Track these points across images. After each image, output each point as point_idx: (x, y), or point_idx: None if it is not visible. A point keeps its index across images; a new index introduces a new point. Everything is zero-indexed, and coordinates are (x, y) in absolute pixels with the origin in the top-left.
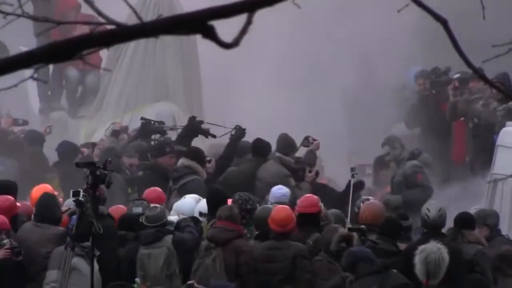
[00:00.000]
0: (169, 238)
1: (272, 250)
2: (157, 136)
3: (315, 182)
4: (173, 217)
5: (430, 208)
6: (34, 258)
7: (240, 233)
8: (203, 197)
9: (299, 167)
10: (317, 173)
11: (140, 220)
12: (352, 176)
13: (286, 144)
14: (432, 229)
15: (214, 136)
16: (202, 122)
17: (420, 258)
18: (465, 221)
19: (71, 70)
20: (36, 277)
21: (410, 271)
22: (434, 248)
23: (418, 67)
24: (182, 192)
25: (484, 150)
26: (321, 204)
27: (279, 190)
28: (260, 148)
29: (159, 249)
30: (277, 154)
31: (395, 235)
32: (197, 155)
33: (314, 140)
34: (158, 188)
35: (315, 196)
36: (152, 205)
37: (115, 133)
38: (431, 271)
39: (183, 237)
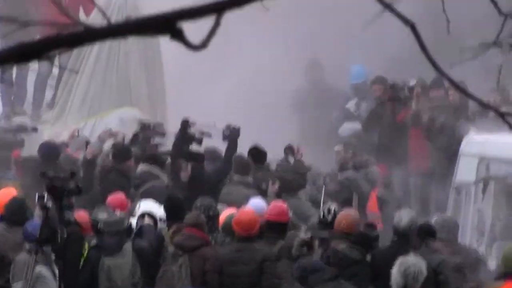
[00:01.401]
0: (129, 246)
1: (238, 252)
2: (157, 139)
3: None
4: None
5: (403, 216)
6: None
7: (207, 241)
8: (161, 202)
9: (260, 188)
10: (279, 187)
11: (99, 226)
12: (324, 183)
13: (243, 165)
14: (403, 237)
15: (209, 136)
16: (194, 124)
17: (399, 270)
18: (427, 230)
19: (42, 66)
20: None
21: (378, 278)
22: (414, 261)
23: (359, 66)
24: (146, 198)
25: (446, 159)
26: (290, 213)
27: (259, 204)
28: (258, 155)
29: (123, 259)
30: (236, 176)
31: (367, 246)
32: (157, 159)
33: (299, 148)
34: (121, 194)
35: (285, 205)
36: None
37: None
38: (408, 284)
39: (143, 245)
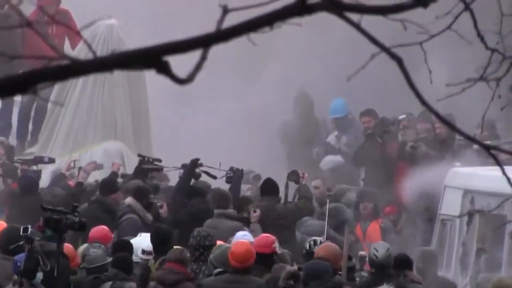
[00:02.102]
0: (107, 285)
1: (232, 284)
2: (154, 173)
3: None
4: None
5: (378, 248)
6: None
7: (188, 277)
8: (134, 236)
9: (242, 216)
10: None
11: (81, 263)
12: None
13: (223, 197)
14: (380, 268)
15: (214, 177)
16: (201, 164)
17: None
18: (404, 261)
19: (25, 97)
20: None
21: None
22: None
23: (339, 100)
24: (120, 230)
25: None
26: (276, 245)
27: (245, 236)
28: (272, 187)
29: None
30: (217, 210)
31: (350, 277)
32: (141, 194)
33: (303, 174)
34: (104, 227)
35: (272, 237)
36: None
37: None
38: None
39: (120, 285)
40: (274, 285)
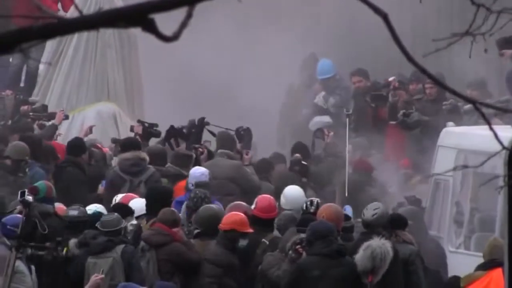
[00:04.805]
0: (119, 249)
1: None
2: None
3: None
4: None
5: (368, 208)
6: None
7: (174, 239)
8: None
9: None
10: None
11: (96, 225)
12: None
13: (228, 139)
14: (369, 229)
15: (214, 135)
16: (207, 123)
17: (366, 254)
18: (397, 221)
19: (15, 58)
20: None
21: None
22: (379, 243)
23: (326, 60)
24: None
25: (424, 151)
26: (277, 208)
27: (197, 170)
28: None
29: (105, 259)
30: (220, 150)
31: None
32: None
33: (329, 131)
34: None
35: (273, 201)
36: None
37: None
38: (376, 267)
39: (132, 250)
40: (282, 245)
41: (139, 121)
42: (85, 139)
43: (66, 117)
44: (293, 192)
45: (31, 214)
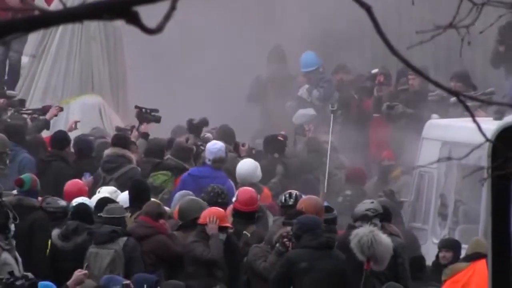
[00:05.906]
0: (121, 241)
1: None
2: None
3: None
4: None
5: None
6: None
7: (159, 231)
8: None
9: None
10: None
11: (100, 214)
12: None
13: (227, 133)
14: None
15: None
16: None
17: (354, 242)
18: (383, 214)
19: None
20: None
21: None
22: (366, 231)
23: (310, 53)
24: (122, 182)
25: (408, 143)
26: (258, 200)
27: (215, 145)
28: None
29: (107, 250)
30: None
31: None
32: (127, 143)
33: (310, 127)
34: (79, 181)
35: (254, 193)
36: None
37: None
38: (366, 254)
39: (134, 243)
40: (269, 238)
41: (136, 106)
42: (94, 130)
43: (61, 109)
44: (243, 166)
45: (2, 204)
